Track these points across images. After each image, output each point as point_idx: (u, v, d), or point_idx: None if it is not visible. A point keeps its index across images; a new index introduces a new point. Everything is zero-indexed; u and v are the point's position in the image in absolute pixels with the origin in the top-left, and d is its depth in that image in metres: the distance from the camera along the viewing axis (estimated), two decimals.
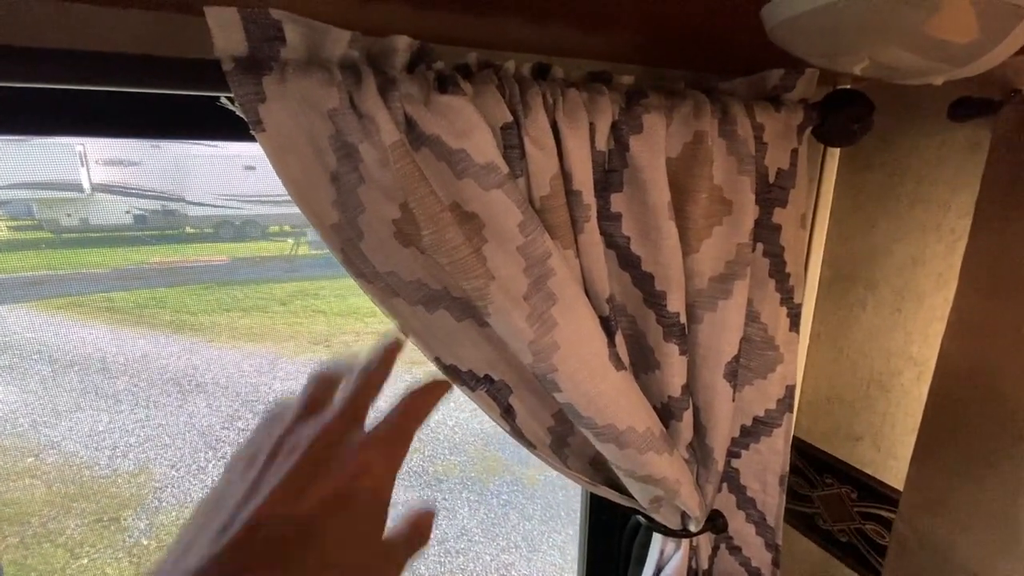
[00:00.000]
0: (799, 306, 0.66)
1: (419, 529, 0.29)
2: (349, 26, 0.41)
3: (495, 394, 0.56)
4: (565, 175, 0.49)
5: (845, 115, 0.61)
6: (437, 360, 0.52)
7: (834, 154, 0.77)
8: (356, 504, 0.26)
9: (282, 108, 0.39)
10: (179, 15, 0.42)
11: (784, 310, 0.65)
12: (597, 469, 0.64)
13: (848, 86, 0.68)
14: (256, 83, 0.38)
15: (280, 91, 0.38)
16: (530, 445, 0.59)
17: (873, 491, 0.77)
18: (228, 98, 0.39)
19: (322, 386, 0.29)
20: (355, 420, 0.27)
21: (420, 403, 0.29)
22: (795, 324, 0.66)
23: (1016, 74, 0.57)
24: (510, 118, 0.45)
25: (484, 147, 0.43)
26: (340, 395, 0.28)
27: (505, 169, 0.44)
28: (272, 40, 0.37)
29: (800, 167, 0.61)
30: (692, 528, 0.68)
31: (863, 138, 0.63)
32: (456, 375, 0.53)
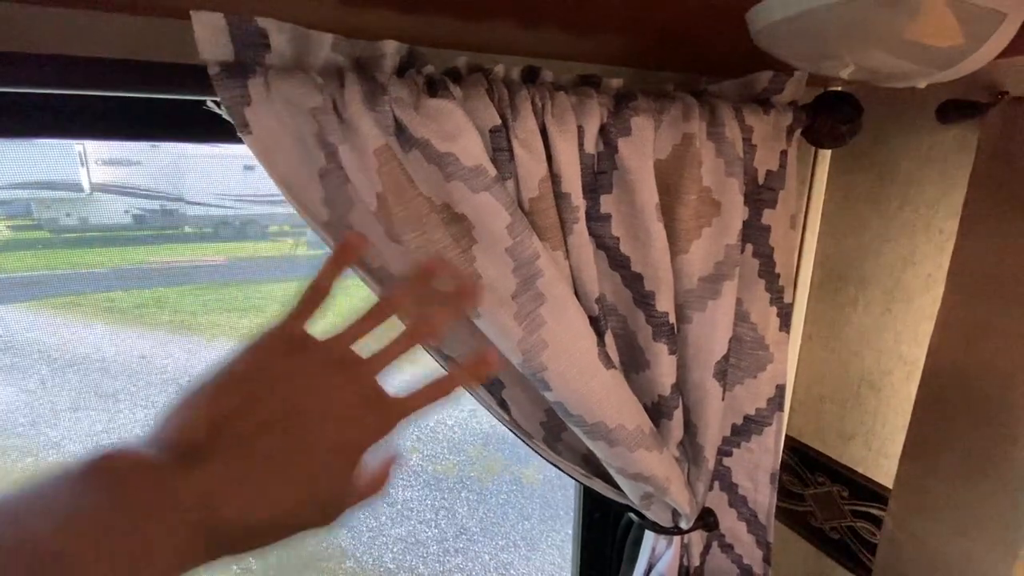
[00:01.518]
0: (789, 306, 0.67)
1: (377, 479, 0.30)
2: (340, 31, 0.41)
3: (489, 388, 0.57)
4: (554, 177, 0.49)
5: (834, 117, 0.62)
6: (437, 351, 0.53)
7: (825, 155, 0.78)
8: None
9: (268, 110, 0.39)
10: (167, 20, 0.43)
11: (774, 310, 0.66)
12: (590, 463, 0.65)
13: (838, 88, 0.68)
14: (241, 87, 0.38)
15: (265, 94, 0.39)
16: (528, 436, 0.60)
17: (864, 489, 0.77)
18: (215, 101, 0.40)
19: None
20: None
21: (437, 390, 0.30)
22: (785, 324, 0.67)
23: (1002, 76, 0.57)
24: (499, 121, 0.45)
25: (473, 150, 0.43)
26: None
27: (493, 172, 0.45)
28: (257, 46, 0.38)
29: (789, 168, 0.62)
30: (683, 525, 0.68)
31: (853, 139, 0.64)
32: (455, 366, 0.54)
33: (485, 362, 0.32)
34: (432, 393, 0.30)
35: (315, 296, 0.30)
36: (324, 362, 0.28)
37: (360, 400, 0.27)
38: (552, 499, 3.24)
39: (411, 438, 3.71)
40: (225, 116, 0.39)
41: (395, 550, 2.92)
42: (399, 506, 3.16)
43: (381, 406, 0.28)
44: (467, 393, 0.56)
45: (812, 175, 0.78)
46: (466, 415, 3.89)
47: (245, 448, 0.24)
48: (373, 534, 2.98)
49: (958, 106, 0.60)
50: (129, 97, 0.44)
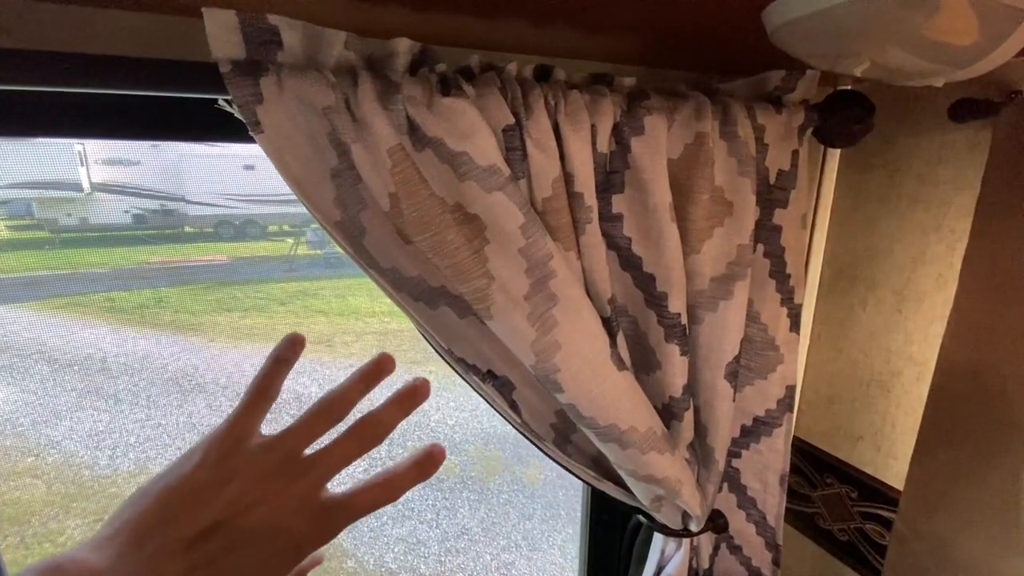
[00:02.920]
0: (799, 306, 0.66)
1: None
2: (352, 30, 0.41)
3: (500, 389, 0.56)
4: (567, 177, 0.49)
5: (846, 116, 0.61)
6: (449, 352, 0.53)
7: (835, 154, 0.77)
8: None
9: (280, 109, 0.39)
10: (178, 17, 0.42)
11: (784, 310, 0.65)
12: (600, 466, 0.64)
13: (849, 87, 0.68)
14: (253, 85, 0.38)
15: (277, 92, 0.38)
16: (539, 438, 0.59)
17: (873, 491, 0.77)
18: (226, 100, 0.40)
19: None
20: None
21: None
22: (795, 324, 0.66)
23: (1016, 75, 0.57)
24: (512, 120, 0.45)
25: (486, 149, 0.43)
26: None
27: (507, 171, 0.44)
28: (269, 44, 0.38)
29: (801, 168, 0.61)
30: (693, 528, 0.68)
31: (864, 139, 0.63)
32: (466, 367, 0.54)
33: (433, 457, 0.31)
34: (378, 495, 0.29)
35: (261, 395, 0.30)
36: (271, 466, 0.28)
37: (302, 507, 0.27)
38: (554, 499, 3.24)
39: (412, 438, 3.71)
40: (237, 115, 0.39)
41: (396, 550, 2.92)
42: (400, 506, 3.15)
43: (324, 514, 0.28)
44: (477, 394, 0.56)
45: (821, 174, 0.77)
46: (467, 415, 3.89)
47: (181, 558, 0.25)
48: (374, 534, 2.98)
49: (971, 105, 0.59)
50: (138, 95, 0.44)
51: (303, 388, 4.06)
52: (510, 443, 3.60)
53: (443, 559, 2.91)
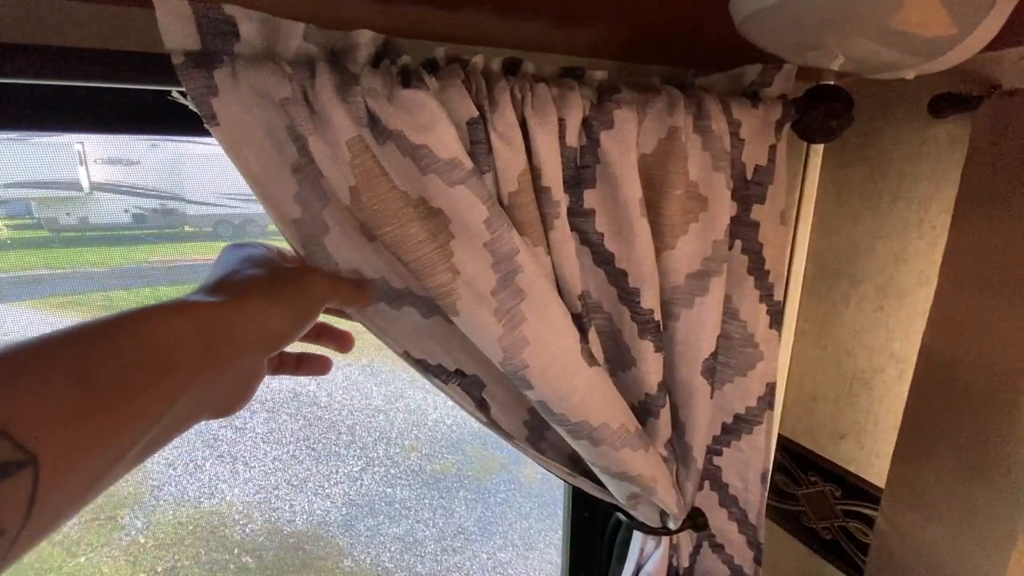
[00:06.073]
0: (779, 303, 0.66)
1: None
2: (315, 22, 0.40)
3: (467, 388, 0.56)
4: (534, 171, 0.48)
5: (824, 111, 0.60)
6: (406, 354, 0.52)
7: (818, 150, 0.77)
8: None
9: (236, 101, 0.38)
10: (132, 8, 0.41)
11: (764, 307, 0.65)
12: (576, 463, 0.64)
13: (831, 83, 0.67)
14: (207, 77, 0.37)
15: (233, 84, 0.38)
16: (508, 437, 0.59)
17: (857, 489, 0.76)
18: (180, 92, 0.39)
19: None
20: None
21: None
22: (776, 322, 0.66)
23: (996, 69, 0.56)
24: (476, 113, 0.44)
25: (447, 142, 0.42)
26: None
27: (470, 165, 0.44)
28: (225, 35, 0.37)
29: (779, 163, 0.61)
30: (672, 526, 0.67)
31: (845, 134, 0.63)
32: (427, 369, 0.53)
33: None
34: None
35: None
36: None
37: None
38: (550, 498, 3.24)
39: (410, 436, 3.71)
40: (191, 107, 0.38)
41: (393, 549, 2.92)
42: (397, 505, 3.15)
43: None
44: (445, 395, 0.55)
45: (804, 170, 0.77)
46: (465, 414, 3.89)
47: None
48: (371, 533, 2.98)
49: (951, 100, 0.59)
50: (91, 87, 0.43)
51: (301, 387, 4.06)
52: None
53: (440, 558, 2.91)
